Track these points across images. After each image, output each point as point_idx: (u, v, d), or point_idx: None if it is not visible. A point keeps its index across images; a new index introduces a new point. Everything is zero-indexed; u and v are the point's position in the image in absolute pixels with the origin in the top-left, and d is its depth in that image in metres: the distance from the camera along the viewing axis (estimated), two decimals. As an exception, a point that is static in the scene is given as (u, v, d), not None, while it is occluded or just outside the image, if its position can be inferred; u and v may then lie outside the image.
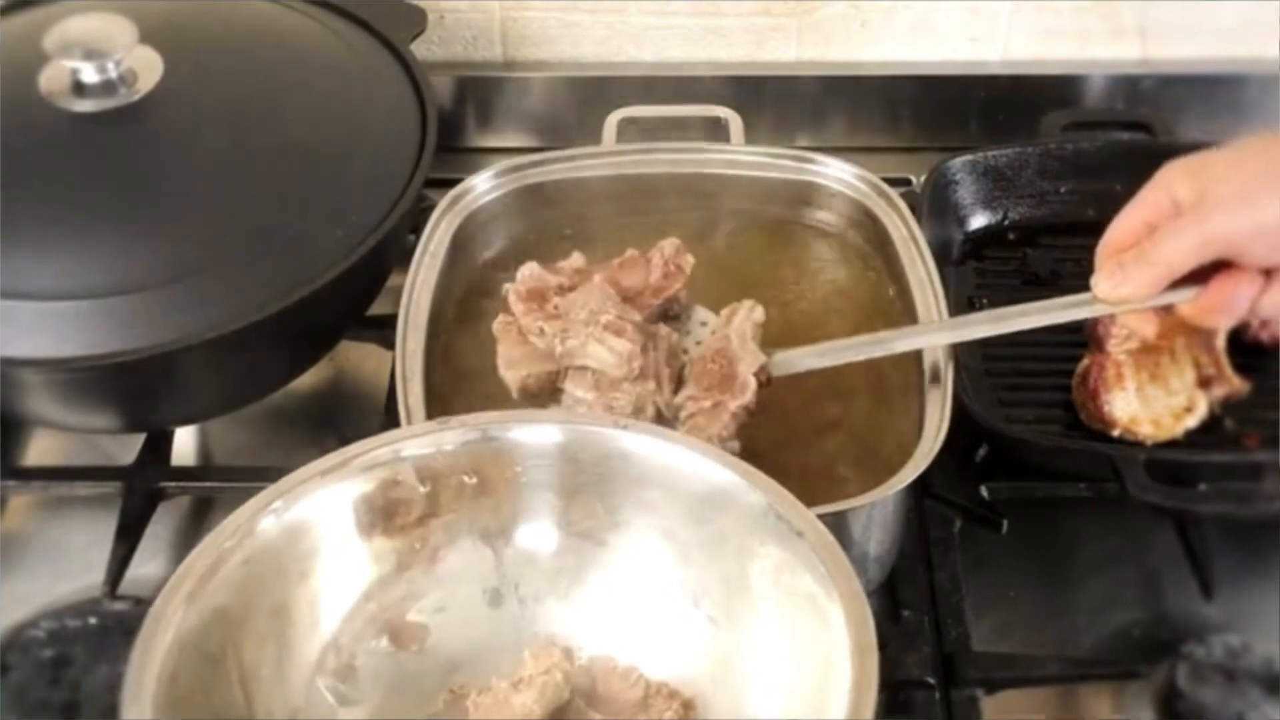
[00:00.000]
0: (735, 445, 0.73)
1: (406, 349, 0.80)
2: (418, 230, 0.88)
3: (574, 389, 0.74)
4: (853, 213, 0.91)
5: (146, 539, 0.83)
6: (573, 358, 0.74)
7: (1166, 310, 0.87)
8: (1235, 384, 0.86)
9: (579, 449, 0.67)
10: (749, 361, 0.75)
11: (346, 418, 0.93)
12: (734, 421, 0.74)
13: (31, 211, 0.80)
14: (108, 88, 0.83)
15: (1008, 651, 0.78)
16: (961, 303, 0.94)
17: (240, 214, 0.82)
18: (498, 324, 0.78)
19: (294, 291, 0.79)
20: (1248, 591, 0.81)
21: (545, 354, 0.76)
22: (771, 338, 0.83)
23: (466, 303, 0.88)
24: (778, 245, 0.92)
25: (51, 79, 0.84)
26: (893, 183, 0.92)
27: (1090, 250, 0.97)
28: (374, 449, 0.67)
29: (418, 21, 0.97)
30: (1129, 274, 0.71)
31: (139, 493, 0.84)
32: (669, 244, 0.80)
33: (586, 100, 1.08)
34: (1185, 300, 0.72)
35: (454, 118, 1.09)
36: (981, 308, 0.94)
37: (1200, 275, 0.71)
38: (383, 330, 0.86)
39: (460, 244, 0.88)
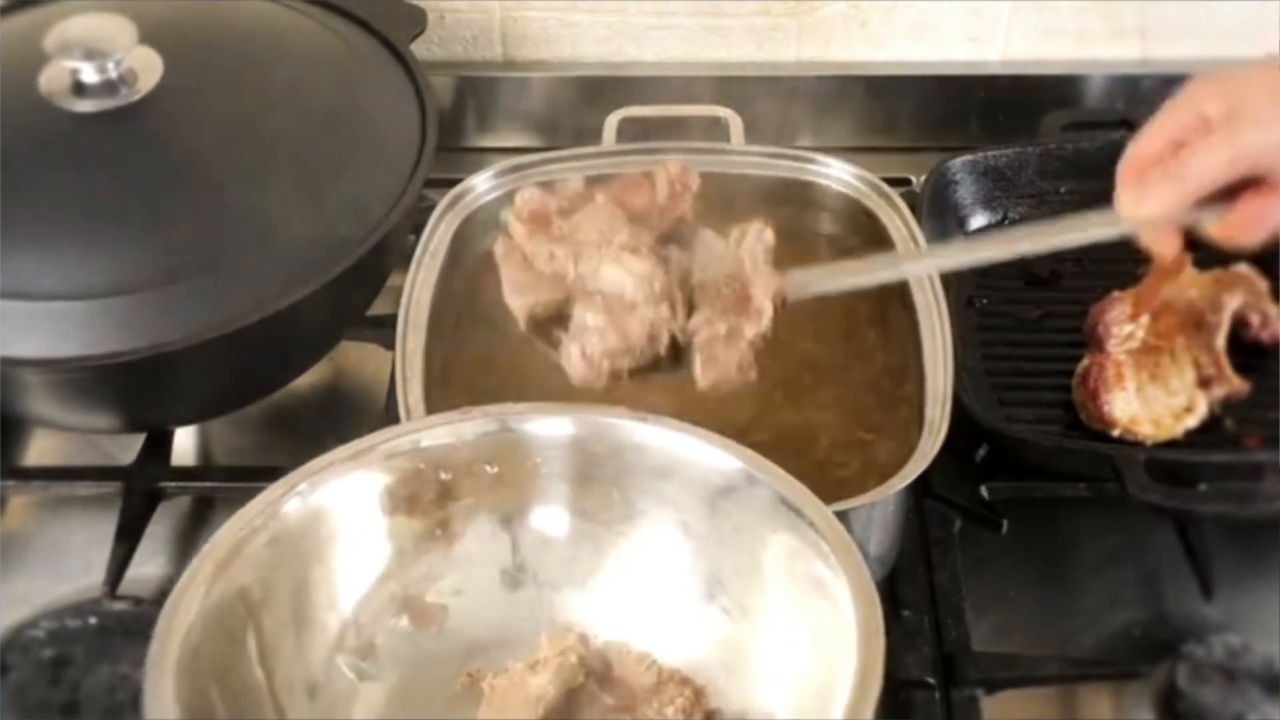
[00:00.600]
0: (753, 374, 0.71)
1: (406, 349, 0.80)
2: (418, 230, 0.88)
3: (585, 314, 0.70)
4: (853, 213, 0.91)
5: (146, 539, 0.83)
6: (587, 281, 0.71)
7: (1167, 309, 0.88)
8: (1235, 384, 0.86)
9: (595, 440, 0.68)
10: (763, 285, 0.71)
11: (346, 418, 0.93)
12: (750, 350, 0.70)
13: (31, 211, 0.80)
14: (108, 88, 0.83)
15: (1008, 651, 0.78)
16: (961, 303, 0.94)
17: (240, 214, 0.82)
18: (500, 249, 0.73)
19: (294, 291, 0.79)
20: (1248, 591, 0.81)
21: (554, 279, 0.72)
22: (770, 342, 0.84)
23: (466, 303, 0.88)
24: (777, 245, 0.92)
25: (51, 79, 0.84)
26: (893, 183, 0.92)
27: (1090, 250, 0.98)
28: (395, 438, 0.68)
29: (418, 21, 0.97)
30: (1154, 190, 0.68)
31: (139, 493, 0.84)
32: (673, 163, 0.75)
33: (586, 100, 1.08)
34: (1211, 219, 0.69)
35: (454, 118, 1.09)
36: (981, 308, 0.94)
37: (1225, 195, 0.69)
38: (383, 330, 0.86)
39: (460, 244, 0.88)
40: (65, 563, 0.84)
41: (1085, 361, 0.87)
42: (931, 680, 0.76)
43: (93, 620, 0.79)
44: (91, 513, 0.85)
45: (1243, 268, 0.91)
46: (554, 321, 0.72)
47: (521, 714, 0.65)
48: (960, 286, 0.95)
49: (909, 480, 0.73)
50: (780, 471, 0.65)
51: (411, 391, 0.77)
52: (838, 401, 0.82)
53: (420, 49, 0.95)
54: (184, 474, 0.87)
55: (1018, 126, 1.06)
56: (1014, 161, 0.99)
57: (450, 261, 0.87)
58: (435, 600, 0.69)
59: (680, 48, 1.11)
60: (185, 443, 0.89)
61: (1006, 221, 1.00)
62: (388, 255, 0.87)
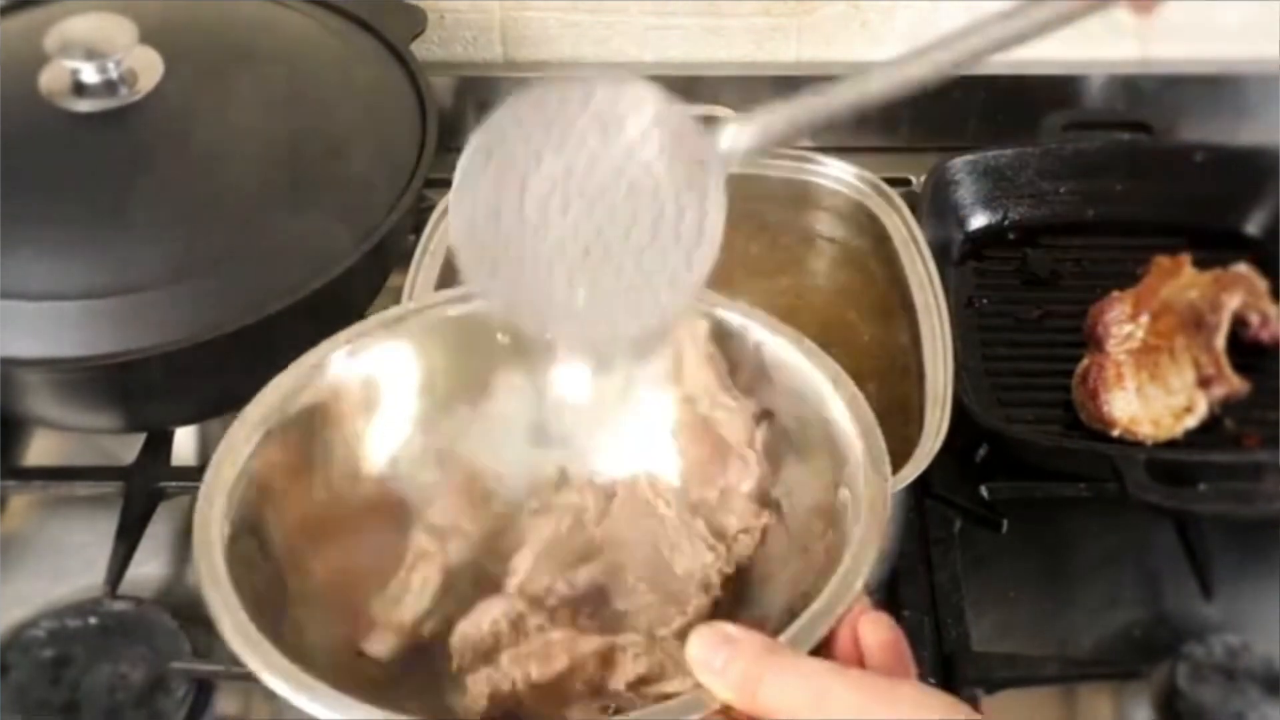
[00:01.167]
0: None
1: (406, 349, 0.80)
2: (418, 230, 0.88)
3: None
4: (853, 213, 0.91)
5: (146, 539, 0.83)
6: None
7: (1167, 309, 0.88)
8: (1235, 384, 0.86)
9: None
10: (735, 419, 0.65)
11: (346, 418, 0.93)
12: (753, 502, 0.65)
13: (31, 211, 0.80)
14: (108, 88, 0.83)
15: (1008, 651, 0.78)
16: (961, 303, 0.94)
17: (240, 214, 0.82)
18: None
19: (294, 291, 0.79)
20: (1248, 591, 0.81)
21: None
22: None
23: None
24: (777, 245, 0.92)
25: (51, 79, 0.84)
26: (893, 183, 0.92)
27: (1090, 250, 0.98)
28: (441, 304, 0.67)
29: (418, 21, 0.97)
30: None
31: (139, 493, 0.84)
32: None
33: (586, 100, 1.08)
34: None
35: (454, 118, 1.09)
36: (981, 308, 0.94)
37: None
38: (383, 330, 0.86)
39: (460, 244, 0.88)
40: (65, 563, 0.84)
41: (1085, 361, 0.87)
42: (932, 680, 0.76)
43: (93, 620, 0.79)
44: (91, 513, 0.85)
45: (1243, 268, 0.91)
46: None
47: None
48: (960, 287, 0.95)
49: (909, 480, 0.73)
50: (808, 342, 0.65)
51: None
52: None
53: (420, 49, 0.95)
54: (184, 474, 0.87)
55: (1018, 126, 1.06)
56: (1014, 161, 0.99)
57: (450, 261, 0.87)
58: (463, 452, 0.68)
59: (680, 48, 1.11)
60: (185, 443, 0.89)
61: (1006, 221, 1.00)
62: (388, 255, 0.87)
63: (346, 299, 0.86)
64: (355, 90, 0.90)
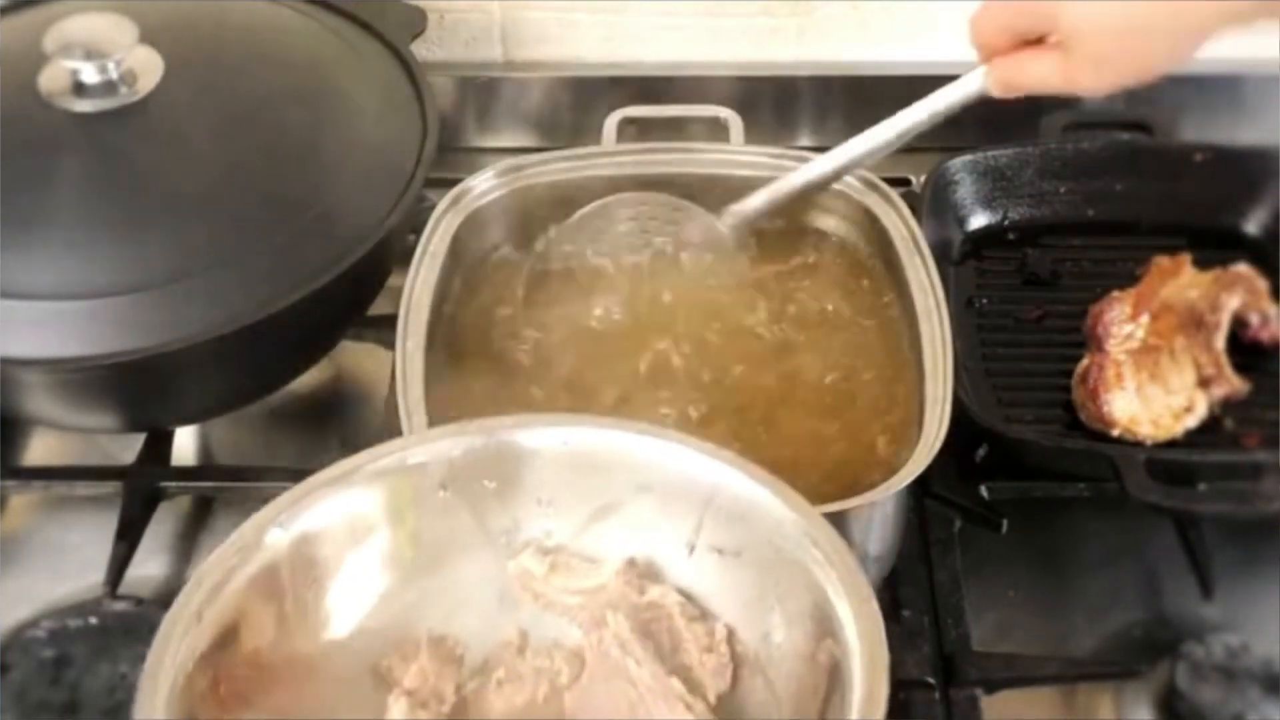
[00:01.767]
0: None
1: (406, 349, 0.80)
2: (418, 230, 0.88)
3: None
4: (853, 213, 0.91)
5: (146, 539, 0.83)
6: None
7: (1167, 309, 0.88)
8: (1235, 384, 0.86)
9: (594, 454, 0.67)
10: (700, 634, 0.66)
11: (346, 418, 0.93)
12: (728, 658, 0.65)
13: (31, 211, 0.80)
14: (108, 88, 0.83)
15: (1008, 651, 0.78)
16: (961, 303, 0.94)
17: (240, 214, 0.82)
18: None
19: (294, 291, 0.79)
20: (1248, 591, 0.81)
21: None
22: (771, 341, 0.84)
23: (467, 303, 0.88)
24: (777, 246, 0.92)
25: (51, 79, 0.84)
26: (893, 183, 0.91)
27: (1090, 250, 0.98)
28: (382, 457, 0.66)
29: (418, 21, 0.97)
30: (1013, 88, 0.74)
31: (139, 493, 0.84)
32: None
33: (586, 100, 1.08)
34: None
35: (454, 118, 1.09)
36: (981, 308, 0.94)
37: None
38: (382, 330, 0.86)
39: (460, 244, 0.88)
40: (65, 563, 0.84)
41: (1085, 361, 0.87)
42: (931, 680, 0.76)
43: (93, 620, 0.79)
44: (91, 513, 0.85)
45: (1243, 268, 0.91)
46: None
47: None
48: (960, 287, 0.95)
49: (909, 480, 0.72)
50: (781, 485, 0.64)
51: (411, 391, 0.77)
52: (838, 402, 0.82)
53: (420, 49, 0.95)
54: (184, 474, 0.87)
55: (1018, 126, 1.05)
56: (1014, 161, 0.99)
57: (450, 261, 0.87)
58: (428, 627, 0.67)
59: (680, 48, 1.11)
60: (185, 443, 0.89)
61: (1006, 221, 1.00)
62: (388, 255, 0.87)
63: (347, 298, 0.87)
64: (355, 90, 0.90)
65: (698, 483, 0.65)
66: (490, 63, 1.12)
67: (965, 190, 0.99)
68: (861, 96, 1.10)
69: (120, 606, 0.80)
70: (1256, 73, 1.06)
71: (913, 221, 0.87)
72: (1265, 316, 0.89)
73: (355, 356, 0.93)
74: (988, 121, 1.08)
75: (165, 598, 0.81)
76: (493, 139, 1.11)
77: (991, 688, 0.76)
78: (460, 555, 0.68)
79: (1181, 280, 0.89)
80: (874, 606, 0.59)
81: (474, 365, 0.84)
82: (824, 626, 0.60)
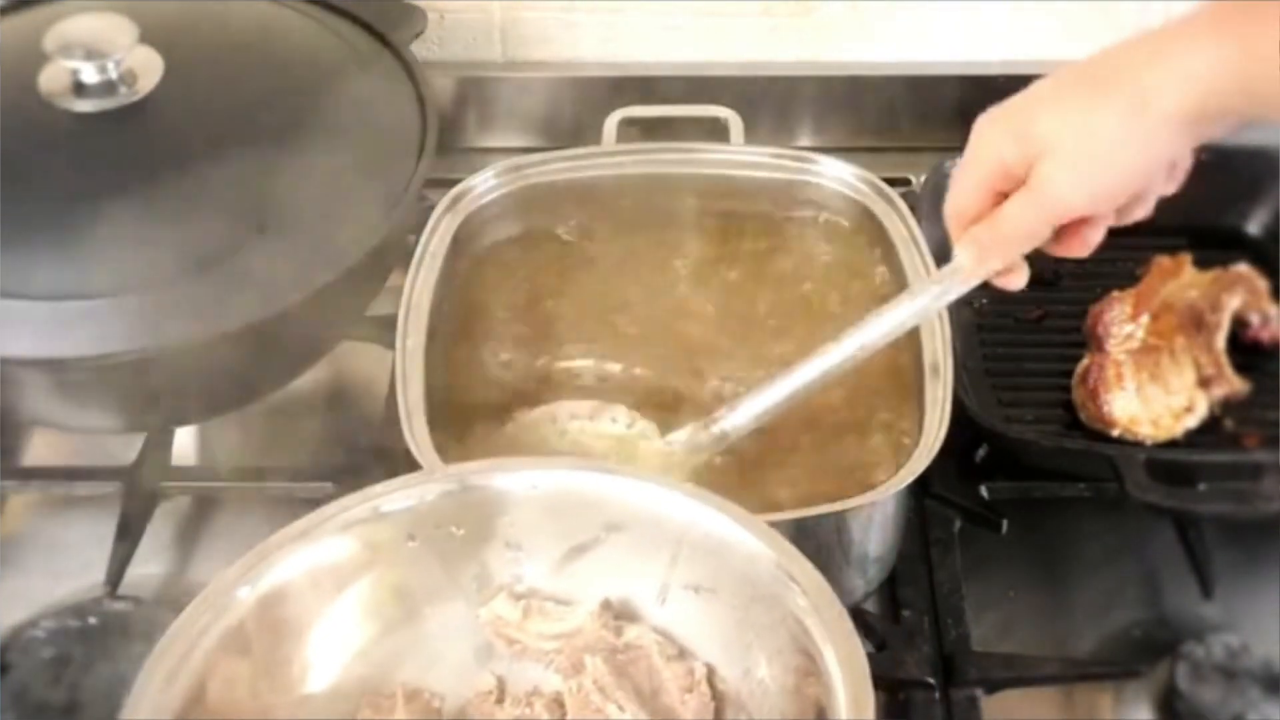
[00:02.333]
0: None
1: (406, 349, 0.80)
2: (418, 230, 0.88)
3: None
4: (853, 213, 0.91)
5: (146, 539, 0.83)
6: None
7: (1167, 309, 0.88)
8: (1235, 384, 0.86)
9: (564, 495, 0.66)
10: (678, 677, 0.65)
11: (346, 418, 0.93)
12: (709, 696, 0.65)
13: (31, 211, 0.80)
14: (108, 88, 0.83)
15: (1008, 651, 0.78)
16: (961, 303, 0.93)
17: (239, 214, 0.82)
18: None
19: (294, 291, 0.79)
20: (1248, 591, 0.81)
21: None
22: (771, 336, 0.84)
23: (467, 302, 0.88)
24: (778, 246, 0.92)
25: (51, 79, 0.84)
26: (893, 183, 0.92)
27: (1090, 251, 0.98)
28: (348, 509, 0.65)
29: (418, 21, 0.97)
30: (989, 250, 0.71)
31: (139, 493, 0.84)
32: None
33: (586, 100, 1.08)
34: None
35: (454, 118, 1.09)
36: (981, 308, 0.94)
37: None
38: (383, 330, 0.86)
39: (460, 244, 0.88)
40: (65, 563, 0.84)
41: (1085, 361, 0.87)
42: (931, 680, 0.76)
43: (93, 620, 0.79)
44: (91, 513, 0.85)
45: (1243, 268, 0.91)
46: None
47: None
48: (960, 286, 0.95)
49: (909, 480, 0.73)
50: (754, 520, 0.63)
51: (411, 391, 0.77)
52: (838, 402, 0.82)
53: (420, 49, 0.95)
54: (184, 474, 0.87)
55: (1018, 126, 1.06)
56: (1014, 161, 0.99)
57: (450, 261, 0.87)
58: (404, 680, 0.66)
59: (680, 48, 1.11)
60: (185, 443, 0.89)
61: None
62: (388, 255, 0.87)
63: (347, 298, 0.86)
64: (355, 90, 0.90)
65: (669, 521, 0.65)
66: (490, 63, 1.12)
67: (965, 190, 0.99)
68: (861, 96, 1.10)
69: (120, 606, 0.80)
70: (1256, 73, 1.06)
71: (913, 221, 0.88)
72: (1265, 316, 0.89)
73: (355, 356, 0.93)
74: (988, 121, 1.09)
75: (165, 598, 0.81)
76: (493, 139, 1.11)
77: (991, 688, 0.76)
78: (433, 605, 0.67)
79: (1182, 280, 0.89)
80: (856, 640, 0.58)
81: (473, 365, 0.84)
82: (804, 659, 0.60)
